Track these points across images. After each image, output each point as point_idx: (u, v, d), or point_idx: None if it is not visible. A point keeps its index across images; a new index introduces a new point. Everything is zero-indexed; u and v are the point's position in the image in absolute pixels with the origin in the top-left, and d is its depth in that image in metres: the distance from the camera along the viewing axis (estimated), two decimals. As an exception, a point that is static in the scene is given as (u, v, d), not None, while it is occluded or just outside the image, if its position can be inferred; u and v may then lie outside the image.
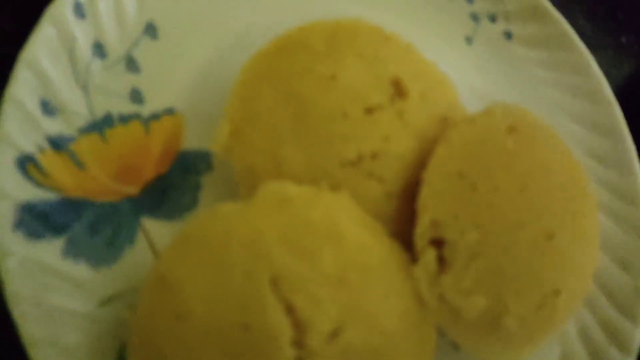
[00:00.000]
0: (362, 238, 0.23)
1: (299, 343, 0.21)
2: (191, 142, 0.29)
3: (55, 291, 0.24)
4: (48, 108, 0.27)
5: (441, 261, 0.24)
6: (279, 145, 0.25)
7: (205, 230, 0.22)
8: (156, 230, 0.27)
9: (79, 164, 0.27)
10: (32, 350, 0.23)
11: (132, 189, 0.28)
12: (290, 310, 0.21)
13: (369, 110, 0.25)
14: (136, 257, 0.27)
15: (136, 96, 0.29)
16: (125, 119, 0.29)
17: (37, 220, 0.25)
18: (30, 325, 0.23)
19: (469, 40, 0.38)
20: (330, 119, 0.25)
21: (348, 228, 0.23)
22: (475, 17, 0.38)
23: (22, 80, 0.26)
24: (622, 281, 0.32)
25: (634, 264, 0.32)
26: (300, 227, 0.22)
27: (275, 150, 0.25)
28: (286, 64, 0.26)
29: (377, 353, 0.22)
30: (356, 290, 0.22)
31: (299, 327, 0.21)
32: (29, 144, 0.26)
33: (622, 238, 0.33)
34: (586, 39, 0.38)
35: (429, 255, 0.24)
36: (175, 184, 0.29)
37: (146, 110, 0.29)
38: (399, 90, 0.26)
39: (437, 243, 0.24)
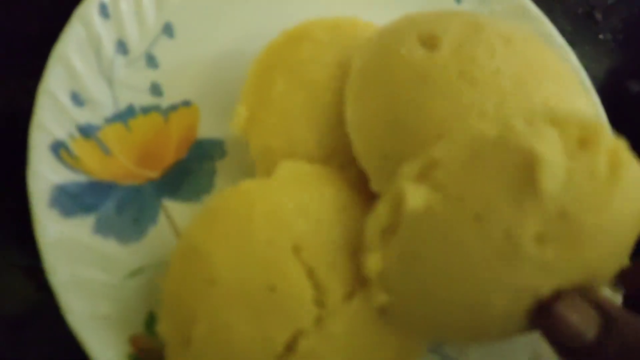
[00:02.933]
0: (367, 211, 0.26)
1: (319, 302, 0.23)
2: (207, 131, 0.32)
3: (88, 264, 0.27)
4: (78, 99, 0.29)
5: None
6: (292, 127, 0.28)
7: (229, 204, 0.25)
8: (176, 210, 0.30)
9: (106, 150, 0.29)
10: (69, 317, 0.25)
11: (154, 173, 0.30)
12: (310, 273, 0.23)
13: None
14: (159, 234, 0.29)
15: (156, 89, 0.32)
16: (146, 110, 0.31)
17: (69, 200, 0.27)
18: (66, 294, 0.25)
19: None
20: (338, 103, 0.27)
21: (357, 203, 0.26)
22: (463, 17, 0.41)
23: (54, 74, 0.28)
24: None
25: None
26: (315, 201, 0.25)
27: (289, 132, 0.28)
28: (295, 53, 0.29)
29: None
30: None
31: (319, 288, 0.23)
32: (61, 131, 0.28)
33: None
34: (566, 35, 0.41)
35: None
36: (193, 169, 0.31)
37: (165, 102, 0.32)
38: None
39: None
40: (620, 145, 0.20)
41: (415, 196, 0.20)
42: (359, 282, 0.24)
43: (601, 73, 0.47)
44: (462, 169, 0.20)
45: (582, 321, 0.20)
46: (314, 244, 0.24)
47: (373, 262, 0.22)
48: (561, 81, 0.25)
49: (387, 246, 0.22)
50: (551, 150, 0.19)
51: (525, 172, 0.19)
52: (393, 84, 0.25)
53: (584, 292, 0.21)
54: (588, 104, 0.26)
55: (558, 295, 0.20)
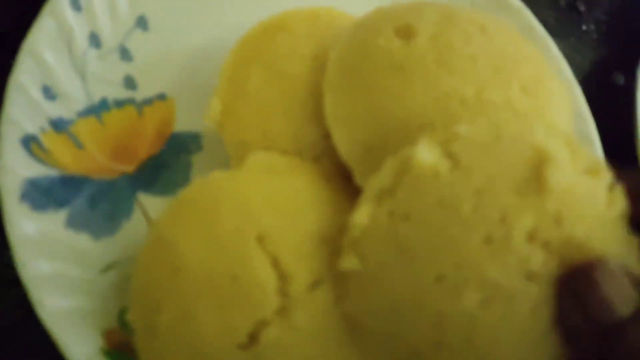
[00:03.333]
0: (339, 202, 0.25)
1: (283, 292, 0.23)
2: (182, 125, 0.32)
3: (60, 258, 0.26)
4: (49, 93, 0.29)
5: None
6: (268, 120, 0.27)
7: (197, 194, 0.25)
8: (151, 204, 0.29)
9: (79, 144, 0.29)
10: (40, 312, 0.25)
11: (128, 167, 0.30)
12: (275, 263, 0.23)
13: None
14: (133, 229, 0.29)
15: (130, 83, 0.31)
16: (120, 104, 0.31)
17: (41, 194, 0.27)
18: (37, 289, 0.25)
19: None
20: (314, 95, 0.27)
21: (329, 194, 0.25)
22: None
23: (24, 68, 0.28)
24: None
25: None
26: (284, 192, 0.25)
27: (265, 125, 0.27)
28: (271, 45, 0.28)
29: None
30: (334, 250, 0.23)
31: (283, 278, 0.23)
32: (32, 125, 0.28)
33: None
34: (549, 27, 0.41)
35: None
36: (168, 163, 0.31)
37: (139, 95, 0.31)
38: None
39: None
40: (620, 188, 0.21)
41: (426, 153, 0.20)
42: (327, 271, 0.23)
43: (585, 65, 0.46)
44: (479, 147, 0.21)
45: (618, 294, 0.18)
46: (280, 233, 0.23)
47: (361, 216, 0.21)
48: (536, 65, 0.25)
49: (380, 205, 0.21)
50: (562, 157, 0.20)
51: (536, 168, 0.20)
52: (372, 75, 0.25)
53: (627, 269, 0.19)
54: (562, 86, 0.26)
55: (597, 263, 0.19)
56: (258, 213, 0.24)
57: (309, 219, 0.24)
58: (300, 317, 0.22)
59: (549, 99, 0.24)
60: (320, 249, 0.24)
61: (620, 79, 0.48)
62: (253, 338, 0.22)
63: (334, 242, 0.24)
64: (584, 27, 0.47)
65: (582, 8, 0.48)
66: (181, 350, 0.23)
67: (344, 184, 0.26)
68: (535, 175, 0.20)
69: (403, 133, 0.24)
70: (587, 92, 0.39)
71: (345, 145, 0.25)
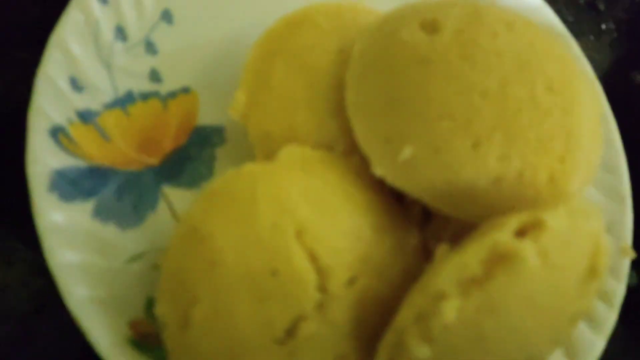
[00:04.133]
0: (372, 199, 0.25)
1: (321, 287, 0.22)
2: (206, 118, 0.32)
3: (87, 248, 0.27)
4: (76, 85, 0.29)
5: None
6: (293, 113, 0.27)
7: (232, 186, 0.24)
8: (175, 196, 0.30)
9: (105, 136, 0.29)
10: (68, 301, 0.25)
11: (153, 160, 0.30)
12: (313, 258, 0.23)
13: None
14: (158, 221, 0.29)
15: (155, 76, 0.32)
16: (145, 96, 0.31)
17: (68, 184, 0.27)
18: (65, 278, 0.25)
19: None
20: (339, 88, 0.27)
21: (360, 190, 0.25)
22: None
23: (52, 60, 0.28)
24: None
25: (616, 227, 0.35)
26: (320, 187, 0.25)
27: (290, 117, 0.27)
28: (296, 39, 0.29)
29: (385, 298, 0.24)
30: (370, 244, 0.24)
31: (322, 273, 0.23)
32: (60, 116, 0.28)
33: (605, 204, 0.35)
34: (568, 25, 0.41)
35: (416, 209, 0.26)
36: (192, 156, 0.31)
37: (164, 88, 0.32)
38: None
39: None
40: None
41: (526, 254, 0.19)
42: (363, 267, 0.23)
43: (605, 63, 0.46)
44: (560, 242, 0.20)
45: None
46: (318, 229, 0.23)
47: (449, 310, 0.20)
48: (563, 64, 0.25)
49: (467, 297, 0.20)
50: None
51: (593, 259, 0.22)
52: (394, 67, 0.25)
53: None
54: (590, 87, 0.26)
55: None
56: (296, 208, 0.23)
57: (344, 215, 0.24)
58: (338, 312, 0.22)
59: (574, 99, 0.24)
60: (356, 244, 0.24)
61: (638, 78, 0.48)
62: (290, 333, 0.22)
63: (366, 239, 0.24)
64: (603, 26, 0.47)
65: (601, 7, 0.48)
66: (215, 344, 0.23)
67: (373, 179, 0.26)
68: (592, 266, 0.21)
69: (422, 124, 0.24)
70: (606, 90, 0.39)
71: (364, 136, 0.25)
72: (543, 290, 0.20)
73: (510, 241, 0.20)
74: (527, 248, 0.19)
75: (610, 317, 0.32)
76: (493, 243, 0.20)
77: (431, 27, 0.25)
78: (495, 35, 0.24)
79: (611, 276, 0.33)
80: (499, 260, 0.19)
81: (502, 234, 0.20)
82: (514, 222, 0.20)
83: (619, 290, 0.33)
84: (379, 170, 0.24)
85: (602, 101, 0.37)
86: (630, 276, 0.40)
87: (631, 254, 0.34)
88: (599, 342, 0.31)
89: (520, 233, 0.20)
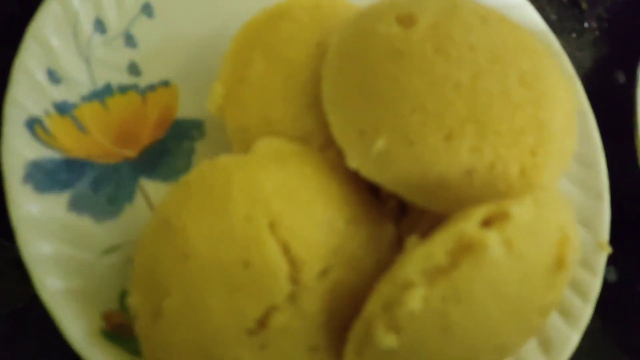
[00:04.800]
0: (347, 192, 0.26)
1: (293, 279, 0.23)
2: (185, 111, 0.32)
3: (62, 240, 0.27)
4: (54, 76, 0.29)
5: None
6: (270, 106, 0.27)
7: (206, 179, 0.24)
8: (153, 189, 0.30)
9: (82, 128, 0.29)
10: (41, 292, 0.25)
11: (131, 152, 0.30)
12: (286, 250, 0.23)
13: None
14: (135, 213, 0.29)
15: (134, 69, 0.32)
16: (123, 89, 0.31)
17: (44, 176, 0.27)
18: (39, 270, 0.25)
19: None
20: (317, 82, 0.27)
21: (335, 183, 0.25)
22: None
23: (30, 51, 0.28)
24: (584, 238, 0.35)
25: (594, 222, 0.35)
26: (294, 180, 0.25)
27: (267, 111, 0.27)
28: (274, 32, 0.29)
29: (358, 290, 0.25)
30: (343, 237, 0.24)
31: (294, 265, 0.23)
32: (36, 108, 0.28)
33: (583, 200, 0.36)
34: (551, 23, 0.41)
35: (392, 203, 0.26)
36: (171, 149, 0.31)
37: (143, 81, 0.32)
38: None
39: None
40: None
41: (490, 243, 0.20)
42: (336, 259, 0.24)
43: (586, 61, 0.47)
44: (526, 232, 0.21)
45: None
46: (291, 221, 0.23)
47: (415, 299, 0.20)
48: (536, 58, 0.25)
49: (432, 287, 0.20)
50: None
51: (560, 250, 0.22)
52: (369, 59, 0.25)
53: None
54: (564, 81, 0.26)
55: None
56: (270, 200, 0.23)
57: (318, 208, 0.24)
58: (310, 303, 0.23)
59: (546, 93, 0.24)
60: (329, 237, 0.24)
61: (621, 77, 0.48)
62: (262, 324, 0.22)
63: (340, 232, 0.24)
64: (586, 25, 0.47)
65: (583, 5, 0.48)
66: (187, 334, 0.23)
67: (347, 172, 0.26)
68: (559, 257, 0.21)
69: (396, 117, 0.24)
70: (588, 89, 0.40)
71: (339, 128, 0.25)
72: (508, 279, 0.20)
73: (475, 231, 0.20)
74: (492, 238, 0.19)
75: (585, 311, 0.32)
76: (459, 233, 0.20)
77: (407, 21, 0.25)
78: (470, 29, 0.25)
79: (587, 271, 0.33)
80: (465, 250, 0.20)
81: (467, 224, 0.20)
82: (480, 213, 0.20)
83: (595, 285, 0.33)
84: (354, 162, 0.24)
85: (577, 96, 0.37)
86: (610, 272, 0.41)
87: (607, 249, 0.34)
88: (574, 336, 0.31)
89: (486, 223, 0.20)
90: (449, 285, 0.20)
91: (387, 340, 0.20)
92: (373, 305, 0.21)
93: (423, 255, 0.20)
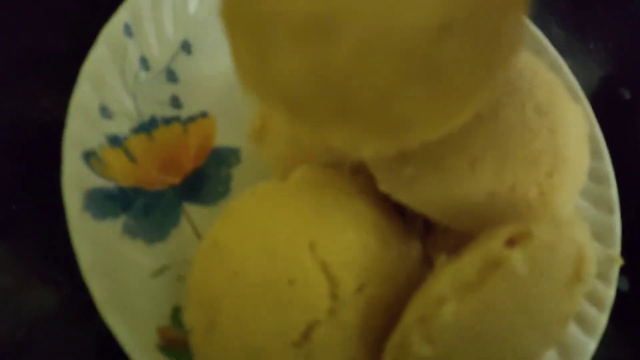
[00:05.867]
0: (377, 214, 0.28)
1: (333, 295, 0.24)
2: (223, 140, 0.35)
3: (118, 262, 0.29)
4: (106, 112, 0.32)
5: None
6: None
7: (250, 204, 0.27)
8: (196, 213, 0.32)
9: (132, 158, 0.32)
10: (103, 310, 0.27)
11: (175, 179, 0.33)
12: (325, 268, 0.25)
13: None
14: (181, 235, 0.31)
15: (175, 102, 0.34)
16: (167, 121, 0.34)
17: (101, 204, 0.30)
18: (100, 290, 0.27)
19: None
20: None
21: (366, 205, 0.28)
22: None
23: (84, 90, 0.31)
24: (597, 251, 0.37)
25: (606, 235, 0.37)
26: (329, 204, 0.27)
27: (299, 141, 0.30)
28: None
29: (391, 304, 0.26)
30: (375, 255, 0.26)
31: (333, 282, 0.24)
32: (91, 141, 0.30)
33: (595, 214, 0.38)
34: (559, 45, 0.44)
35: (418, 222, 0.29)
36: (211, 175, 0.33)
37: (184, 113, 0.34)
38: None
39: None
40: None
41: (514, 261, 0.22)
42: (370, 276, 0.26)
43: (593, 81, 0.49)
44: (546, 250, 0.22)
45: None
46: (328, 242, 0.25)
47: (447, 312, 0.22)
48: (550, 88, 0.27)
49: (463, 301, 0.22)
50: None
51: (577, 264, 0.23)
52: None
53: None
54: (574, 108, 0.28)
55: None
56: (308, 223, 0.25)
57: (352, 229, 0.26)
58: (348, 317, 0.24)
59: (560, 119, 0.26)
60: (363, 256, 0.26)
61: (626, 94, 0.50)
62: (305, 336, 0.24)
63: (372, 251, 0.26)
64: (592, 46, 0.50)
65: (589, 27, 0.51)
66: (238, 347, 0.25)
67: (377, 195, 0.29)
68: (577, 271, 0.23)
69: (424, 146, 0.25)
70: (596, 105, 0.42)
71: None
72: (531, 294, 0.22)
73: (500, 250, 0.22)
74: (516, 256, 0.22)
75: (601, 320, 0.34)
76: (486, 252, 0.22)
77: None
78: None
79: (601, 282, 0.35)
80: (491, 267, 0.22)
81: (493, 244, 0.22)
82: (504, 233, 0.22)
83: (609, 295, 0.35)
84: (384, 187, 0.27)
85: (586, 121, 0.40)
86: (622, 282, 0.42)
87: (620, 262, 0.36)
88: (590, 344, 0.33)
89: (510, 243, 0.22)
90: (477, 300, 0.22)
91: (423, 350, 0.22)
92: (409, 318, 0.23)
93: (454, 272, 0.22)
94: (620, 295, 0.40)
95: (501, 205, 0.25)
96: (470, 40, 0.19)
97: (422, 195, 0.26)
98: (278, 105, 0.22)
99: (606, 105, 0.48)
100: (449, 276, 0.22)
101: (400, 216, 0.29)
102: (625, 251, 0.38)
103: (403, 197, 0.26)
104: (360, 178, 0.29)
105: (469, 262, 0.22)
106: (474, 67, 0.20)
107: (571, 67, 0.42)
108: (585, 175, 0.28)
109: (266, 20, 0.20)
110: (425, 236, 0.30)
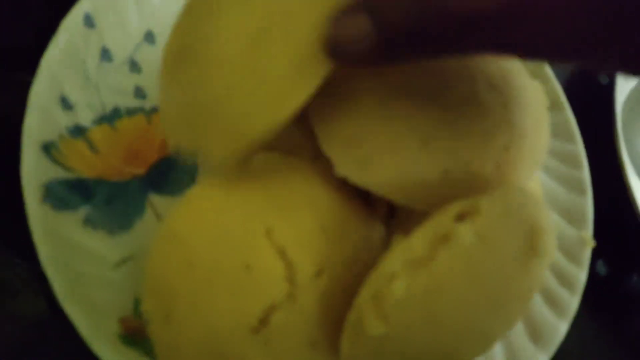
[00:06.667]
0: (337, 198, 0.28)
1: (290, 279, 0.24)
2: (188, 130, 0.34)
3: (79, 254, 0.29)
4: (66, 103, 0.31)
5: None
6: None
7: (206, 193, 0.27)
8: (161, 203, 0.32)
9: (94, 149, 0.32)
10: (64, 301, 0.27)
11: (139, 170, 0.32)
12: (282, 254, 0.25)
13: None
14: (145, 226, 0.31)
15: (139, 93, 0.34)
16: (130, 112, 0.34)
17: (61, 195, 0.29)
18: (61, 282, 0.27)
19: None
20: None
21: (325, 190, 0.27)
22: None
23: (43, 80, 0.31)
24: (569, 232, 0.37)
25: (578, 217, 0.37)
26: (286, 190, 0.27)
27: None
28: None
29: (352, 288, 0.26)
30: (335, 240, 0.26)
31: (290, 267, 0.25)
32: (51, 132, 0.30)
33: (567, 196, 0.38)
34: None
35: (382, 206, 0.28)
36: (176, 165, 0.33)
37: (148, 104, 0.34)
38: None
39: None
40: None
41: (463, 235, 0.22)
42: (329, 261, 0.26)
43: (569, 65, 0.49)
44: (496, 223, 0.22)
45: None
46: (285, 227, 0.25)
47: (398, 288, 0.22)
48: (503, 62, 0.27)
49: (415, 277, 0.22)
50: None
51: (531, 238, 0.23)
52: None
53: None
54: (534, 84, 0.28)
55: None
56: (264, 209, 0.25)
57: (310, 214, 0.26)
58: (307, 301, 0.24)
59: (514, 93, 0.26)
60: (322, 240, 0.26)
61: (603, 79, 0.50)
62: (263, 322, 0.24)
63: (332, 235, 0.26)
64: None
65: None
66: (196, 335, 0.25)
67: (337, 180, 0.29)
68: (531, 245, 0.23)
69: (376, 126, 0.26)
70: (573, 90, 0.42)
71: (325, 140, 0.27)
72: (483, 269, 0.22)
73: (449, 224, 0.22)
74: (464, 229, 0.21)
75: (572, 302, 0.34)
76: (435, 227, 0.22)
77: None
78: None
79: (573, 264, 0.35)
80: (441, 242, 0.22)
81: (443, 218, 0.22)
82: (453, 208, 0.22)
83: (581, 277, 0.35)
84: (341, 170, 0.26)
85: (547, 92, 0.39)
86: (600, 266, 0.42)
87: (591, 243, 0.36)
88: (562, 326, 0.33)
89: (460, 218, 0.22)
90: (428, 275, 0.22)
91: (377, 327, 0.22)
92: (363, 297, 0.23)
93: (404, 248, 0.22)
94: (597, 279, 0.40)
95: (457, 183, 0.25)
96: None
97: (377, 177, 0.26)
98: None
99: (583, 91, 0.48)
100: (399, 252, 0.22)
101: (362, 201, 0.29)
102: (603, 236, 0.38)
103: (359, 179, 0.26)
104: (320, 164, 0.28)
105: (419, 237, 0.22)
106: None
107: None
108: (544, 150, 0.28)
109: None
110: (390, 220, 0.30)
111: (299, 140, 0.30)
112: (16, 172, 0.29)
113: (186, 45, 0.25)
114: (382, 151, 0.25)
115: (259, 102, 0.23)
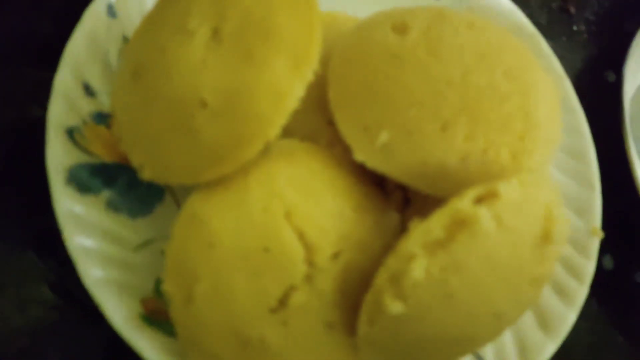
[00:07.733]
0: (353, 184, 0.28)
1: (309, 261, 0.25)
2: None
3: (101, 236, 0.29)
4: (89, 90, 0.32)
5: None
6: None
7: (227, 176, 0.27)
8: (180, 188, 0.33)
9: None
10: (86, 282, 0.28)
11: (159, 157, 0.33)
12: (301, 236, 0.25)
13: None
14: (165, 210, 0.32)
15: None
16: (152, 100, 0.34)
17: (84, 179, 0.30)
18: (84, 262, 0.28)
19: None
20: (322, 86, 0.29)
21: (343, 175, 0.28)
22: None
23: (67, 68, 0.31)
24: (578, 225, 0.37)
25: (587, 211, 0.38)
26: (305, 174, 0.27)
27: None
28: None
29: (367, 271, 0.26)
30: (351, 223, 0.27)
31: (309, 249, 0.25)
32: (75, 118, 0.31)
33: (576, 190, 0.38)
34: (542, 28, 0.44)
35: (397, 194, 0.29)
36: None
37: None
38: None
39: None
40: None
41: (481, 218, 0.22)
42: (346, 244, 0.26)
43: (577, 62, 0.50)
44: (513, 207, 0.23)
45: None
46: (304, 210, 0.26)
47: (417, 269, 0.22)
48: (519, 54, 0.28)
49: (433, 258, 0.22)
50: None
51: (547, 224, 0.24)
52: (369, 63, 0.28)
53: None
54: (547, 77, 0.29)
55: None
56: (284, 193, 0.26)
57: (328, 198, 0.27)
58: (324, 283, 0.25)
59: (530, 84, 0.27)
60: (339, 224, 0.26)
61: (611, 76, 0.51)
62: (282, 302, 0.25)
63: (349, 219, 0.27)
64: (575, 28, 0.50)
65: (572, 10, 0.51)
66: (216, 315, 0.25)
67: (354, 166, 0.29)
68: (545, 231, 0.24)
69: (396, 112, 0.26)
70: (580, 87, 0.42)
71: (345, 126, 0.28)
72: (500, 250, 0.23)
73: (468, 208, 0.22)
74: (483, 213, 0.22)
75: (580, 292, 0.35)
76: (454, 210, 0.22)
77: (402, 29, 0.28)
78: (457, 33, 0.28)
79: (581, 255, 0.36)
80: (459, 225, 0.22)
81: (461, 202, 0.23)
82: (472, 192, 0.23)
83: (589, 268, 0.35)
84: (359, 156, 0.27)
85: (567, 92, 0.40)
86: (607, 260, 0.43)
87: (599, 235, 0.36)
88: (570, 315, 0.34)
89: (478, 202, 0.23)
90: (447, 256, 0.22)
91: (395, 307, 0.23)
92: (381, 278, 0.24)
93: (423, 230, 0.23)
94: (605, 273, 0.41)
95: (474, 169, 0.26)
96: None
97: (395, 162, 0.26)
98: None
99: (591, 88, 0.48)
100: (418, 234, 0.23)
101: (378, 188, 0.30)
102: (611, 230, 0.38)
103: (378, 164, 0.27)
104: (337, 150, 0.29)
105: (438, 220, 0.23)
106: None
107: (554, 50, 0.43)
108: (557, 140, 0.29)
109: None
110: (405, 208, 0.31)
111: (318, 126, 0.30)
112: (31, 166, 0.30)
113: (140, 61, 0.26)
114: (401, 137, 0.26)
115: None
